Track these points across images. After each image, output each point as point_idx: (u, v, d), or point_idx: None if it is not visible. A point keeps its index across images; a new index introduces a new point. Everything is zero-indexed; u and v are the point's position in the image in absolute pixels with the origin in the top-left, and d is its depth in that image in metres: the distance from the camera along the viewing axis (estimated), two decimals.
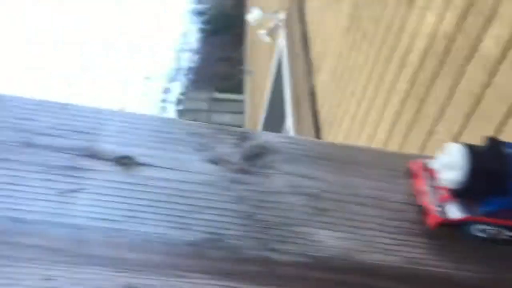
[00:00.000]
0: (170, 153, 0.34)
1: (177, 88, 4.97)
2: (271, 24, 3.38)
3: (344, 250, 0.31)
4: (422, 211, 0.34)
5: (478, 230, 0.34)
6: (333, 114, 2.13)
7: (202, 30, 5.76)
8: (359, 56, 1.89)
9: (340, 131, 2.01)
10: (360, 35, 1.90)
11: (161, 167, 0.33)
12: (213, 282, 0.31)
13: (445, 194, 0.34)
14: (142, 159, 0.33)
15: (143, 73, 5.07)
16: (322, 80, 2.37)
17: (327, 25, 2.42)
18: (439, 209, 0.34)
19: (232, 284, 0.31)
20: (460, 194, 0.34)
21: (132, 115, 0.36)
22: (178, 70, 5.15)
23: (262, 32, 3.37)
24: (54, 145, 0.33)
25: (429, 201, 0.34)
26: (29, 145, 0.32)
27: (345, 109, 1.97)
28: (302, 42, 2.80)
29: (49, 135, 0.33)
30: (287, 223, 0.32)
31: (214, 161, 0.34)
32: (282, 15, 3.34)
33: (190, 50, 5.56)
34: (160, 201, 0.31)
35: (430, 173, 0.36)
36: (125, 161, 0.33)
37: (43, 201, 0.30)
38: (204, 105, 5.27)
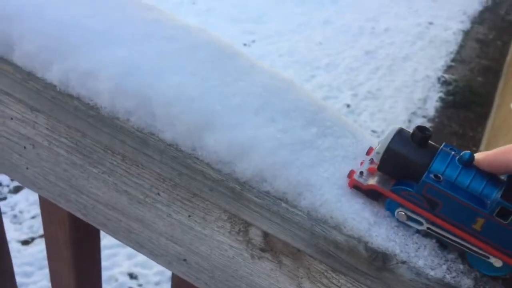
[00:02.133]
0: None
1: None
2: None
3: None
4: (349, 174, 0.40)
5: (390, 207, 0.38)
6: None
7: (443, 100, 5.52)
8: None
9: None
10: None
11: None
12: None
13: (374, 166, 0.39)
14: None
15: (371, 125, 5.05)
16: None
17: None
18: (359, 175, 0.39)
19: None
20: (379, 168, 0.38)
21: None
22: None
23: None
24: None
25: (359, 168, 0.40)
26: None
27: None
28: None
29: None
30: None
31: None
32: None
33: (425, 117, 5.35)
34: None
35: None
36: None
37: None
38: None
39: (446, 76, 5.59)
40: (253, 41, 4.99)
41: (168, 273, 2.14)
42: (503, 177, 0.36)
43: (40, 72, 0.46)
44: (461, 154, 0.36)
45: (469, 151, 0.36)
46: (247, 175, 0.41)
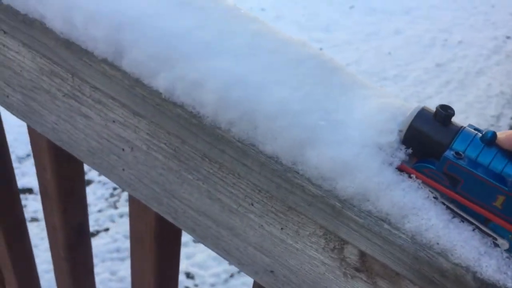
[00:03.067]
0: None
1: None
2: None
3: None
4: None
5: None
6: None
7: None
8: None
9: None
10: None
11: None
12: None
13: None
14: None
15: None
16: None
17: None
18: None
19: None
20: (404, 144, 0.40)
21: None
22: None
23: None
24: None
25: None
26: None
27: None
28: None
29: None
30: None
31: None
32: None
33: None
34: None
35: None
36: None
37: None
38: None
39: None
40: (320, 49, 4.96)
41: (224, 276, 2.16)
42: None
43: (147, 79, 0.48)
44: (483, 132, 0.37)
45: (491, 130, 0.36)
46: (348, 193, 0.40)
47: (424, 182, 0.39)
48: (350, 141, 0.41)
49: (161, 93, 0.47)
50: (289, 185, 0.43)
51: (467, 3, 5.67)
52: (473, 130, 0.38)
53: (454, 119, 0.39)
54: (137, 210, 0.65)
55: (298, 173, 0.43)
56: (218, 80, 0.44)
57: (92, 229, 2.32)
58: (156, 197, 0.57)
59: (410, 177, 0.40)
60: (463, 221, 0.38)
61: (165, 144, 0.52)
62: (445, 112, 0.38)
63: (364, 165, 0.40)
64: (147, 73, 0.47)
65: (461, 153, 0.37)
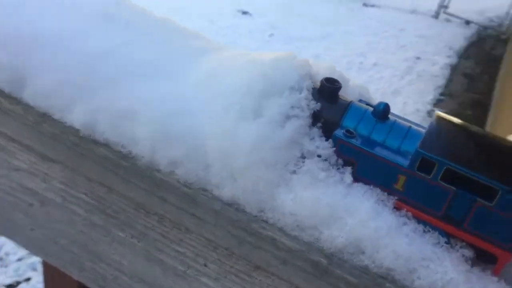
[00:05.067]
0: None
1: None
2: None
3: None
4: None
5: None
6: None
7: None
8: None
9: None
10: None
11: None
12: None
13: None
14: None
15: None
16: None
17: None
18: None
19: None
20: None
21: None
22: None
23: None
24: None
25: None
26: None
27: None
28: None
29: None
30: None
31: None
32: None
33: None
34: None
35: None
36: None
37: None
38: None
39: (436, 110, 5.60)
40: None
41: None
42: (423, 129, 0.31)
43: (59, 113, 0.36)
44: (375, 106, 0.32)
45: (384, 102, 0.31)
46: (337, 245, 0.31)
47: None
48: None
49: (78, 130, 0.36)
50: (255, 239, 0.33)
51: (378, 29, 5.96)
52: (363, 105, 0.33)
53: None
54: (53, 279, 0.52)
55: (267, 222, 0.33)
56: (155, 109, 0.34)
57: (11, 280, 2.06)
58: (77, 261, 0.44)
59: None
60: None
61: (85, 194, 0.40)
62: (331, 85, 0.32)
63: (358, 208, 0.31)
64: (58, 105, 0.36)
65: (352, 130, 0.32)
